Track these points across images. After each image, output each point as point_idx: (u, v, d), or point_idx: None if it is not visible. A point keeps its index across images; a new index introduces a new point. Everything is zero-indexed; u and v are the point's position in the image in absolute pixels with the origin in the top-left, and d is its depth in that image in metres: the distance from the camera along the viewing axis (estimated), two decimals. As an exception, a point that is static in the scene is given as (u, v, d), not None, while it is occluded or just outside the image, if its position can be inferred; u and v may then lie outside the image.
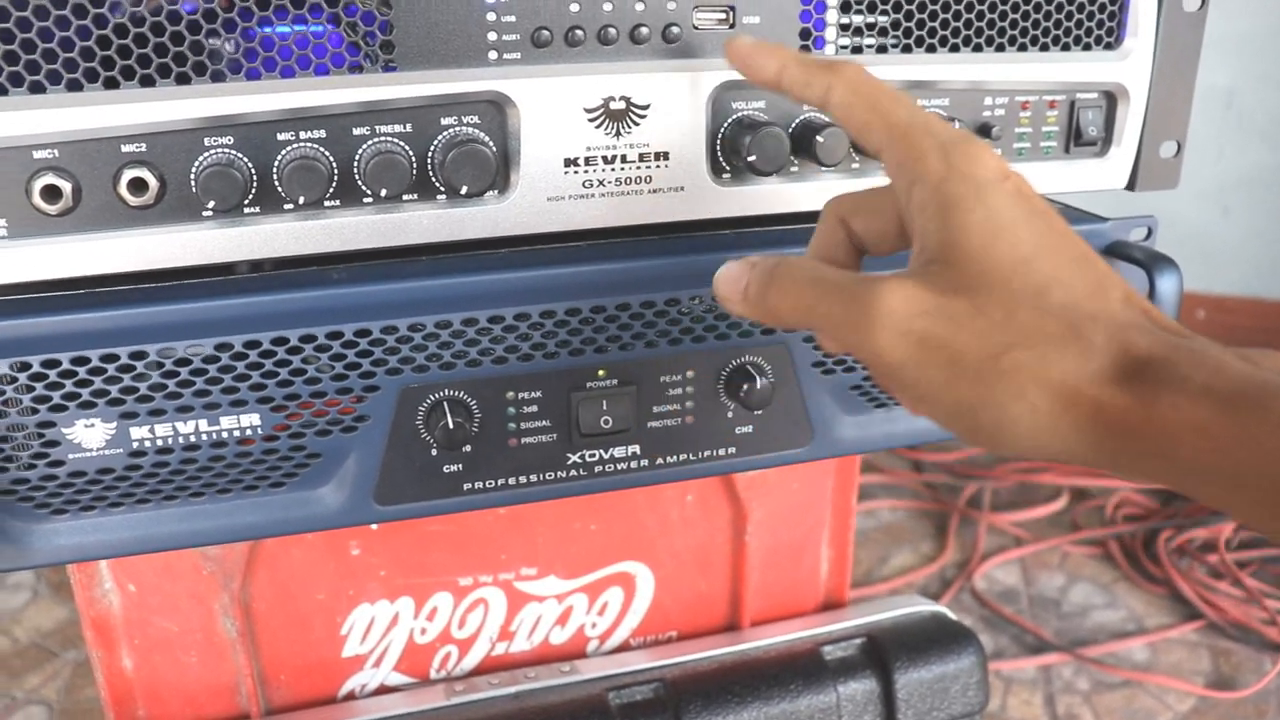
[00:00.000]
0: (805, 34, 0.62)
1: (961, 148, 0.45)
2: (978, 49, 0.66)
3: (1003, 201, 0.43)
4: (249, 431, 0.59)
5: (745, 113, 0.61)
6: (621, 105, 0.58)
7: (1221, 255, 2.15)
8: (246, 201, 0.56)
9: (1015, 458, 0.41)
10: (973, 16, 0.65)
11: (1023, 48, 0.67)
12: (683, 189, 0.61)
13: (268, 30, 0.54)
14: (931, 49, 0.65)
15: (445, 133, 0.57)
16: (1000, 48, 0.67)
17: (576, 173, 0.59)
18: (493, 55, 0.56)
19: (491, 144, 0.57)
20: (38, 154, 0.52)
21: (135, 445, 0.58)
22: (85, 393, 0.56)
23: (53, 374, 0.55)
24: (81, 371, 0.56)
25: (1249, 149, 2.08)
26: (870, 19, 0.63)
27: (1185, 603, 1.55)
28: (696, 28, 0.59)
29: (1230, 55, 2.02)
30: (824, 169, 0.64)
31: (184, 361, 0.57)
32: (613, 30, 0.57)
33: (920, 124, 0.46)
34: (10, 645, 1.43)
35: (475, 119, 0.57)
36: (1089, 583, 1.61)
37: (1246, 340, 2.20)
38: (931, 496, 1.80)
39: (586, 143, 0.58)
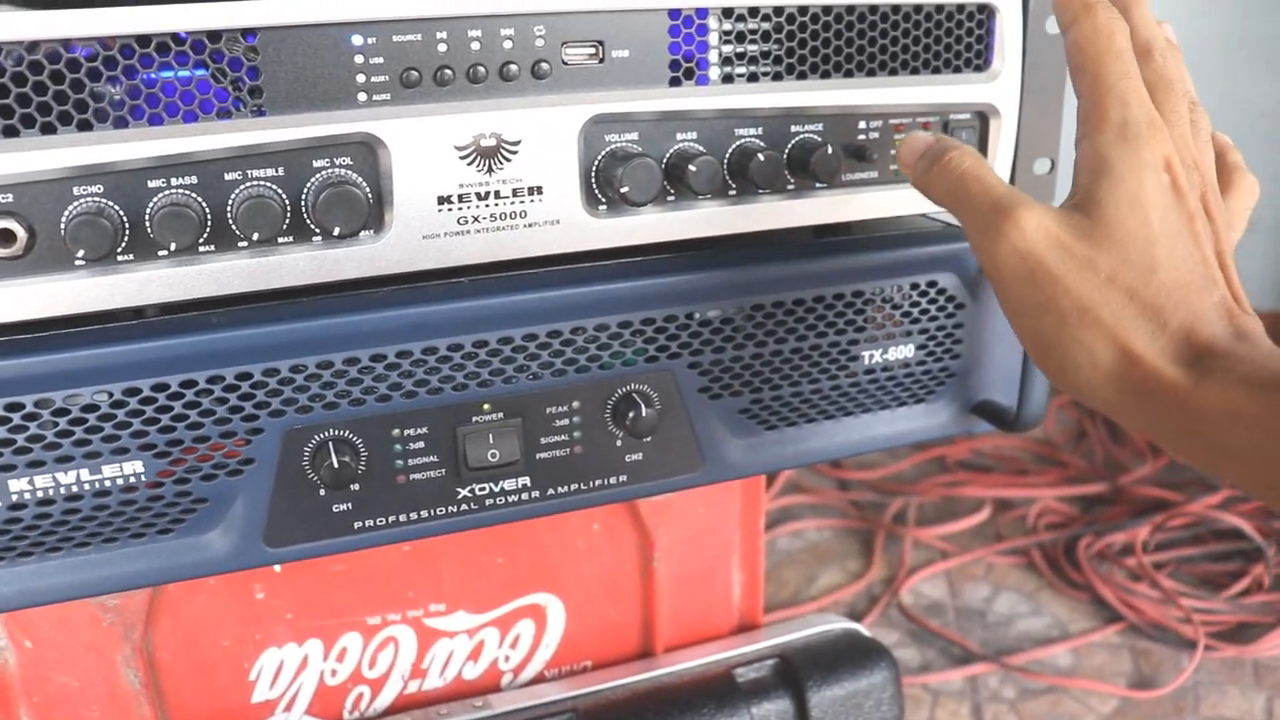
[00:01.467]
0: (675, 65, 0.63)
1: (1139, 129, 0.50)
2: (849, 74, 0.68)
3: (1152, 185, 0.49)
4: (133, 479, 0.59)
5: (618, 145, 0.62)
6: (493, 142, 0.59)
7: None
8: (119, 249, 0.55)
9: (1072, 395, 0.50)
10: (842, 43, 0.67)
11: (893, 72, 0.69)
12: (558, 222, 0.62)
13: (136, 78, 0.54)
14: (803, 76, 0.66)
15: (317, 175, 0.57)
16: (871, 72, 0.68)
17: (450, 210, 0.59)
18: (362, 96, 0.57)
19: (364, 184, 0.58)
20: (-101, 208, 0.52)
21: (14, 498, 0.57)
22: (-41, 447, 0.56)
23: (-75, 430, 0.55)
24: (-45, 426, 0.55)
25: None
26: (740, 49, 0.64)
27: (1106, 606, 1.58)
28: (566, 63, 0.60)
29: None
30: (700, 197, 0.65)
31: (62, 411, 0.57)
32: (481, 69, 0.58)
33: (1119, 94, 0.51)
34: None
35: (347, 160, 0.58)
36: (1013, 592, 1.64)
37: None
38: (857, 514, 1.82)
39: (459, 180, 0.59)
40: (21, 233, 0.54)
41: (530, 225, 0.61)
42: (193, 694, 0.81)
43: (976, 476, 1.89)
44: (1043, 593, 1.63)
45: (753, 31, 0.65)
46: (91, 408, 0.57)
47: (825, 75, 0.67)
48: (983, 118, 0.73)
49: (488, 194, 0.60)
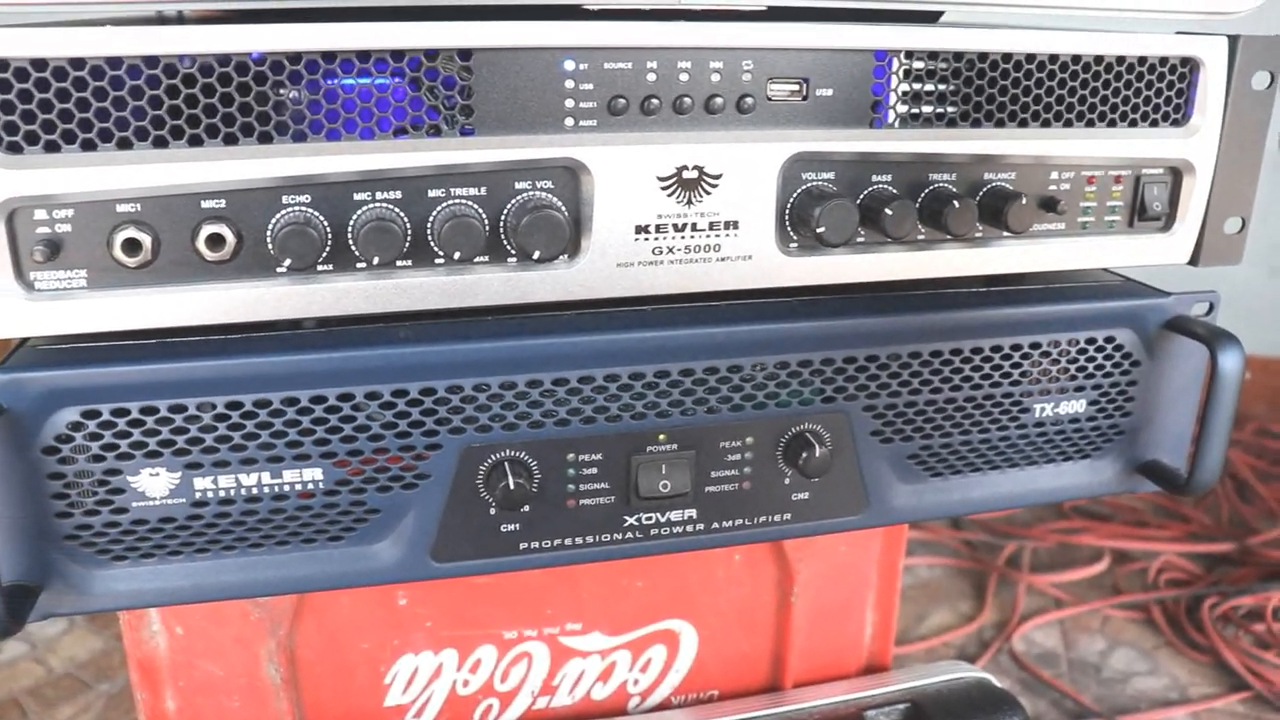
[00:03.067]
0: (878, 106, 0.62)
1: None
2: (1045, 124, 0.66)
3: None
4: (310, 485, 0.60)
5: (815, 183, 0.62)
6: (694, 174, 0.59)
7: (1268, 316, 2.13)
8: (321, 259, 0.56)
9: None
10: (1041, 92, 0.65)
11: (1090, 124, 0.67)
12: (751, 257, 0.61)
13: (352, 91, 0.55)
14: (1000, 124, 0.65)
15: (519, 197, 0.57)
16: (1068, 123, 0.67)
17: (647, 240, 0.59)
18: (569, 122, 0.57)
19: (564, 209, 0.58)
20: (120, 208, 0.53)
21: (198, 495, 0.58)
22: (152, 442, 0.57)
23: (121, 423, 0.56)
24: (149, 421, 0.56)
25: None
26: (941, 89, 0.63)
27: (1231, 672, 1.52)
28: (770, 99, 0.60)
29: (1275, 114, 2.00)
30: (890, 241, 0.64)
31: (250, 414, 0.58)
32: (688, 100, 0.58)
33: None
34: (45, 674, 1.43)
35: (549, 184, 0.58)
36: (1130, 648, 1.59)
37: (1291, 404, 2.18)
38: (970, 555, 1.78)
39: (658, 210, 0.59)
40: (231, 238, 0.55)
41: (724, 259, 0.61)
42: (329, 693, 0.82)
43: (1094, 525, 1.83)
44: (1161, 651, 1.58)
45: (954, 75, 0.63)
46: (278, 413, 0.58)
47: (1022, 124, 0.65)
48: (1176, 173, 0.70)
49: (685, 226, 0.60)
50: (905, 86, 0.63)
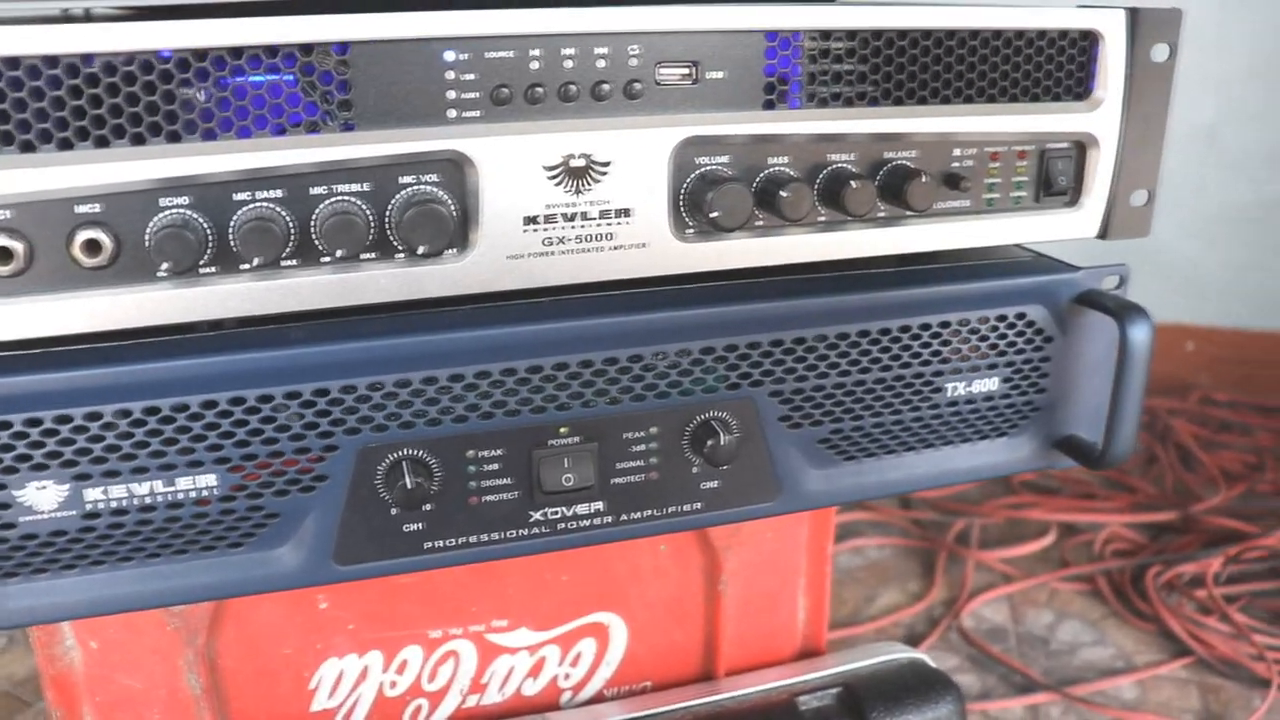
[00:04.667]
0: (770, 88, 0.61)
1: None
2: (945, 100, 0.66)
3: None
4: (205, 492, 0.59)
5: (708, 168, 0.61)
6: (582, 163, 0.58)
7: (1209, 287, 2.15)
8: (202, 262, 0.55)
9: None
10: (940, 69, 0.65)
11: (991, 99, 0.67)
12: (645, 245, 0.60)
13: (227, 89, 0.53)
14: (899, 101, 0.64)
15: (404, 191, 0.56)
16: (969, 99, 0.66)
17: (537, 230, 0.58)
18: (452, 113, 0.56)
19: (450, 202, 0.57)
20: (-12, 216, 0.52)
21: (89, 507, 0.57)
22: (38, 455, 0.55)
23: (4, 436, 0.55)
24: (34, 433, 0.55)
25: (1233, 183, 2.08)
26: (838, 69, 0.63)
27: (1174, 639, 1.53)
28: (659, 84, 0.59)
29: (1211, 93, 2.02)
30: (788, 224, 0.63)
31: (139, 422, 0.56)
32: (574, 87, 0.57)
33: None
34: (-15, 690, 1.41)
35: (434, 177, 0.57)
36: (1077, 619, 1.60)
37: (1234, 372, 2.20)
38: (919, 534, 1.78)
39: (547, 200, 0.58)
40: (109, 243, 0.53)
41: (617, 248, 0.60)
42: (253, 701, 0.81)
43: (1042, 499, 1.84)
44: (1108, 622, 1.59)
45: (849, 55, 0.63)
46: (168, 419, 0.57)
47: (921, 101, 0.65)
48: (1081, 147, 0.70)
49: (575, 215, 0.59)
50: (801, 66, 0.62)
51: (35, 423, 0.55)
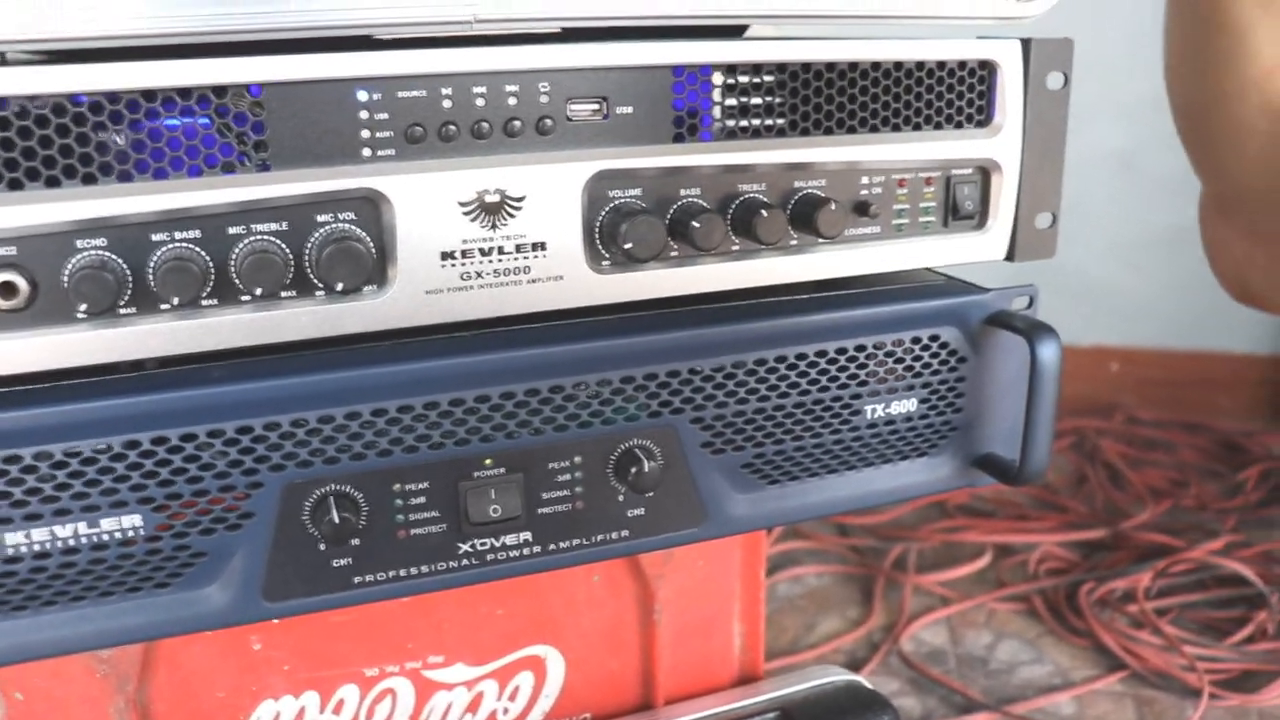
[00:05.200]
0: (679, 121, 0.63)
1: None
2: (852, 130, 0.68)
3: None
4: (130, 533, 0.59)
5: (621, 200, 0.62)
6: (496, 198, 0.59)
7: (1133, 309, 2.21)
8: (121, 303, 0.55)
9: (1216, 169, 0.39)
10: (845, 100, 0.67)
11: (896, 128, 0.69)
12: (562, 278, 0.62)
13: (142, 131, 0.54)
14: (806, 132, 0.66)
15: (321, 230, 0.57)
16: (874, 129, 0.69)
17: (454, 265, 0.59)
18: (366, 152, 0.57)
19: (368, 240, 0.58)
20: (-99, 261, 0.52)
21: (9, 551, 0.57)
22: (-43, 501, 0.55)
23: (-78, 483, 0.55)
24: (-47, 480, 0.55)
25: (1150, 208, 2.14)
26: (744, 105, 0.65)
27: (1109, 654, 1.56)
28: (570, 119, 0.60)
29: (1125, 121, 2.09)
30: (702, 253, 0.65)
31: (60, 464, 0.56)
32: (485, 125, 0.58)
33: None
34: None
35: (351, 215, 0.58)
36: (1015, 639, 1.62)
37: (1158, 392, 2.26)
38: (857, 560, 1.80)
39: (463, 236, 0.59)
40: (24, 285, 0.54)
41: (534, 281, 0.61)
42: (187, 746, 0.80)
43: (977, 522, 1.87)
44: (1044, 640, 1.61)
45: (755, 88, 0.65)
46: (90, 461, 0.57)
47: (828, 131, 0.67)
48: (985, 173, 0.73)
49: (491, 250, 0.60)
50: (709, 100, 0.64)
51: (-47, 469, 0.55)
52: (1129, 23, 2.02)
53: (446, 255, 0.59)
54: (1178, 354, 2.22)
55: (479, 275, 0.60)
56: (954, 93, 0.70)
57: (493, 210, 0.59)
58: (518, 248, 0.60)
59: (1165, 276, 2.19)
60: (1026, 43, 0.70)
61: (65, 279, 0.54)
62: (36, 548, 0.57)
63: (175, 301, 0.55)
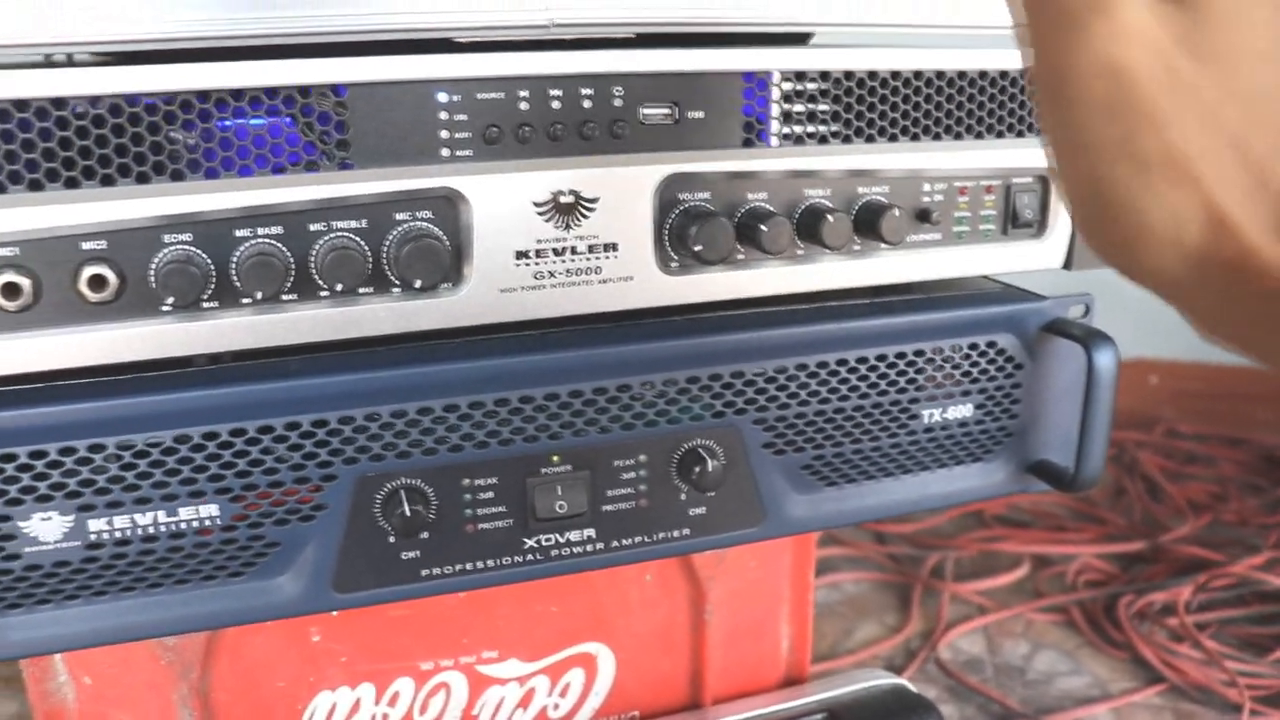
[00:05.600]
0: (748, 126, 0.64)
1: None
2: (915, 138, 0.69)
3: None
4: (207, 522, 0.60)
5: (691, 203, 0.63)
6: (570, 199, 0.60)
7: (1169, 321, 2.20)
8: (205, 296, 0.57)
9: (1126, 271, 0.38)
10: (909, 108, 0.68)
11: (958, 136, 0.70)
12: (632, 278, 0.63)
13: (229, 130, 0.56)
14: (870, 139, 0.67)
15: (399, 227, 0.58)
16: (937, 136, 0.69)
17: (528, 265, 0.61)
18: (445, 152, 0.58)
19: (444, 238, 0.59)
20: (-2, 253, 0.53)
21: (92, 538, 0.58)
22: (42, 486, 0.57)
23: (9, 468, 0.56)
24: (39, 465, 0.56)
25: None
26: (812, 108, 0.66)
27: (1148, 667, 1.55)
28: (643, 123, 0.61)
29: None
30: (769, 256, 0.66)
31: (142, 454, 0.58)
32: (560, 127, 0.60)
33: None
34: (-37, 739, 1.40)
35: (429, 214, 0.59)
36: (1053, 649, 1.62)
37: (1198, 405, 2.25)
38: (895, 568, 1.80)
39: (537, 235, 0.60)
40: (114, 279, 0.55)
41: (605, 281, 0.62)
42: (246, 735, 0.82)
43: (1014, 532, 1.87)
44: (1082, 651, 1.61)
45: (823, 94, 0.66)
46: (170, 451, 0.58)
47: (892, 139, 0.68)
48: (1044, 181, 0.73)
49: (564, 250, 0.61)
50: (778, 105, 0.65)
51: (40, 455, 0.56)
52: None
53: (521, 254, 0.60)
54: (1217, 367, 2.21)
55: (552, 275, 0.61)
56: (1015, 101, 0.71)
57: (566, 211, 0.60)
58: (590, 248, 0.62)
59: (1206, 289, 2.18)
60: (1089, 52, 0.71)
61: (152, 273, 0.56)
62: (117, 535, 0.59)
63: (258, 296, 0.56)
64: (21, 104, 0.52)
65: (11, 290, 0.54)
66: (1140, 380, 2.22)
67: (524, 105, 0.59)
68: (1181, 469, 2.10)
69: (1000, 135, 0.71)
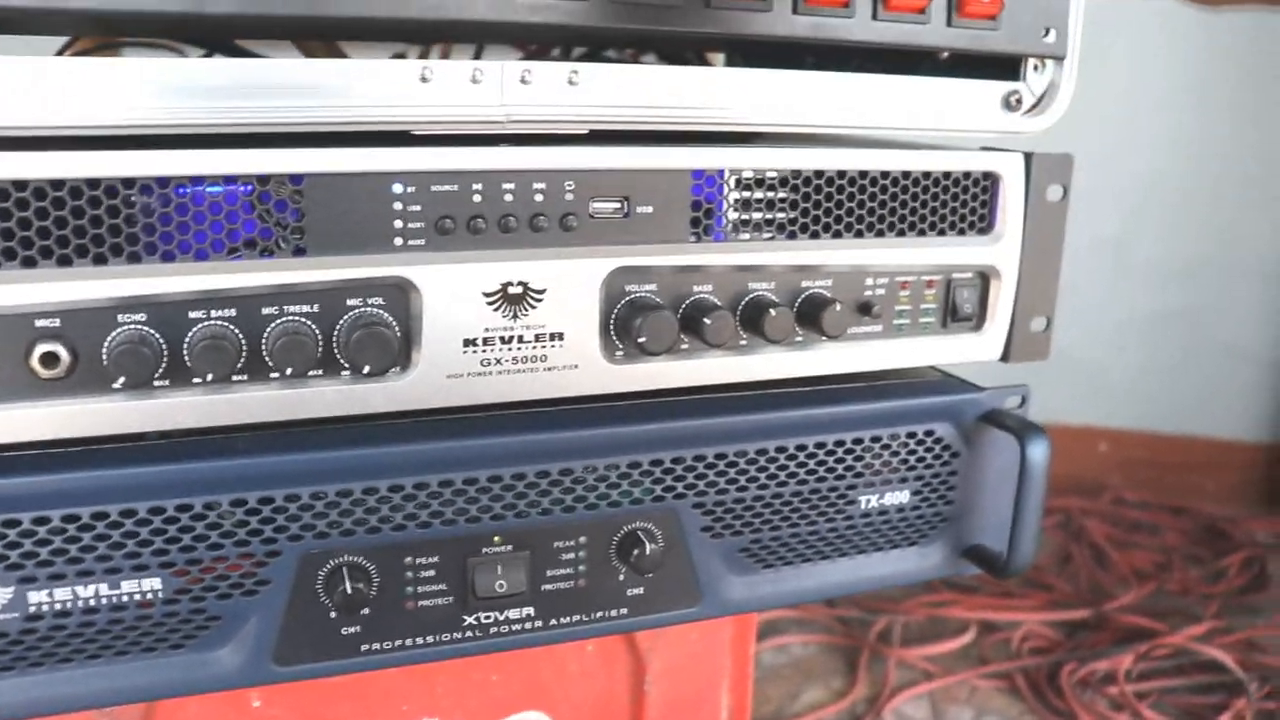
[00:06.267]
0: (695, 222, 0.66)
1: None
2: (859, 234, 0.71)
3: None
4: (150, 595, 0.61)
5: (638, 295, 0.65)
6: (519, 289, 0.62)
7: (1119, 390, 2.24)
8: (156, 375, 0.58)
9: None
10: (854, 205, 0.70)
11: (901, 233, 0.72)
12: (577, 367, 0.64)
13: (186, 215, 0.57)
14: (815, 235, 0.70)
15: (351, 313, 0.60)
16: (880, 233, 0.72)
17: (475, 352, 0.62)
18: (398, 241, 0.60)
19: (395, 325, 0.60)
20: (-49, 330, 0.54)
21: (32, 609, 0.59)
22: (-15, 558, 0.57)
23: (-47, 540, 0.57)
24: (-17, 537, 0.57)
25: (1138, 292, 2.19)
26: (758, 209, 0.68)
27: (1088, 737, 1.58)
28: (593, 216, 0.63)
29: (1114, 210, 2.14)
30: (711, 348, 0.67)
31: (87, 527, 0.58)
32: (513, 219, 0.61)
33: None
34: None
35: (380, 300, 0.60)
36: (996, 716, 1.64)
37: (1144, 473, 2.29)
38: (843, 631, 1.82)
39: (485, 324, 0.62)
40: (66, 356, 0.56)
41: (550, 369, 0.64)
42: (182, 798, 0.81)
43: (961, 597, 1.89)
44: (1025, 719, 1.63)
45: (770, 193, 0.68)
46: (115, 524, 0.59)
47: (837, 235, 0.70)
48: (984, 277, 0.76)
49: (511, 338, 0.63)
50: (726, 201, 0.67)
51: (-16, 527, 0.57)
52: (1121, 111, 2.07)
53: (469, 342, 0.62)
54: (1164, 437, 2.26)
55: (498, 362, 0.63)
56: (958, 201, 0.73)
57: (515, 301, 0.62)
58: (537, 337, 0.63)
59: (1151, 359, 2.22)
60: (1029, 156, 0.73)
61: (105, 352, 0.57)
62: (58, 607, 0.59)
63: (209, 377, 0.57)
64: (-18, 185, 0.53)
65: (-37, 365, 0.55)
66: (1090, 447, 2.26)
67: (477, 198, 0.60)
68: (1128, 537, 2.14)
69: (942, 233, 0.73)
